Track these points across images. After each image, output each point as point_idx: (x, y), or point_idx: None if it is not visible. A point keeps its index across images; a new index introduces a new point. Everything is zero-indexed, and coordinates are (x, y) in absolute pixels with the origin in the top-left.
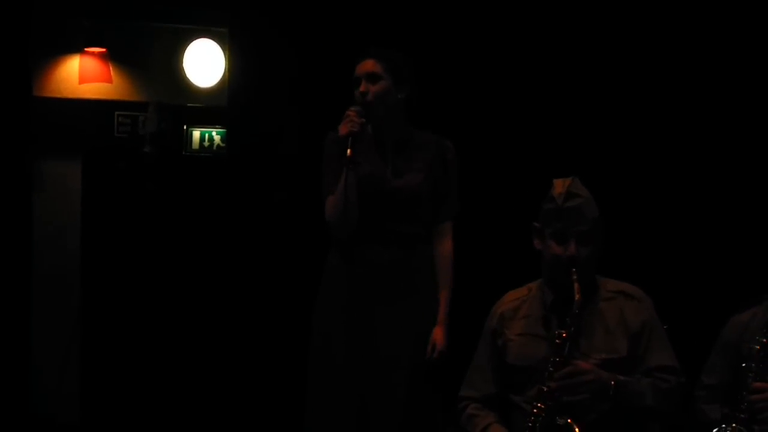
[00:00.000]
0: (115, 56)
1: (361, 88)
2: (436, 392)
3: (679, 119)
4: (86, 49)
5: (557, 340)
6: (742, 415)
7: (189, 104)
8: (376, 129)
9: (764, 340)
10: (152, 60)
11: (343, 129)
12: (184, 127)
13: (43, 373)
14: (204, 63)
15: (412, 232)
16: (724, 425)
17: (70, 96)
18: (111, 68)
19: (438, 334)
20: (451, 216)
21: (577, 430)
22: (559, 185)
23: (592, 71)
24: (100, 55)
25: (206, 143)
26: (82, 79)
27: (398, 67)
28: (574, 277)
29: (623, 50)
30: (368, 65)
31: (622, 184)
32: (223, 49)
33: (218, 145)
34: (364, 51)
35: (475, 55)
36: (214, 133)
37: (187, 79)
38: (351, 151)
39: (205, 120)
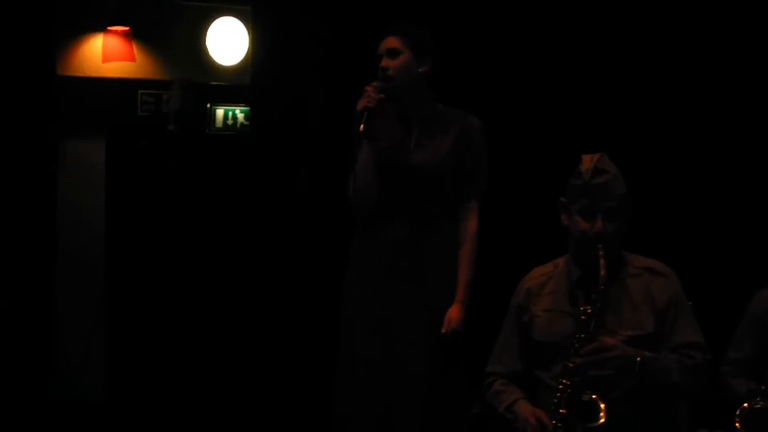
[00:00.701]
0: (138, 35)
1: (382, 64)
2: (458, 370)
3: (708, 94)
4: (109, 28)
5: (582, 317)
6: None
7: (212, 82)
8: (401, 104)
9: None
10: (175, 38)
11: (359, 104)
12: (208, 106)
13: (68, 352)
14: (227, 41)
15: (432, 209)
16: (750, 399)
17: (94, 75)
18: (134, 47)
19: (453, 313)
20: (476, 194)
21: (602, 406)
22: (587, 161)
23: (623, 45)
24: (123, 34)
25: (230, 121)
26: (106, 58)
27: (419, 42)
28: (601, 253)
29: (655, 22)
30: (390, 42)
31: (650, 160)
32: (246, 27)
33: (242, 123)
34: (386, 28)
35: (505, 30)
36: (237, 111)
37: (211, 57)
38: (364, 127)
39: (228, 98)
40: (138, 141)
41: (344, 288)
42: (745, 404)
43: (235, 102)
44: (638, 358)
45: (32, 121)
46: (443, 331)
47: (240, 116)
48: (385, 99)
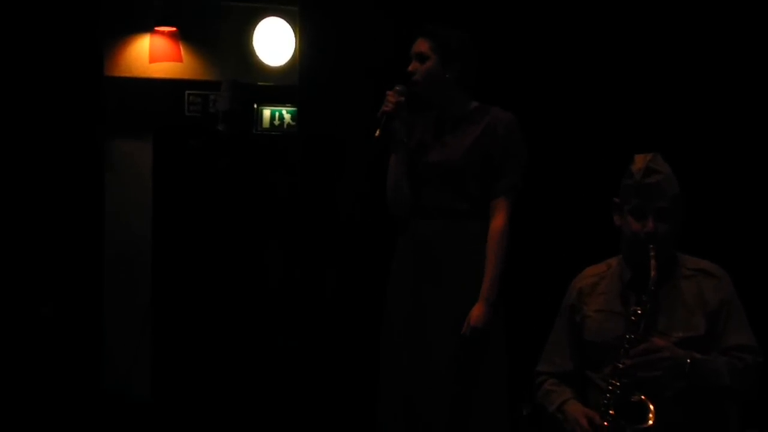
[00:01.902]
0: (185, 35)
1: (410, 68)
2: (490, 371)
3: (762, 96)
4: (156, 29)
5: (633, 317)
6: None
7: (259, 83)
8: (434, 105)
9: None
10: (222, 39)
11: (382, 109)
12: (255, 106)
13: (116, 352)
14: (274, 41)
15: (458, 207)
16: None
17: (141, 75)
18: (181, 47)
19: (475, 311)
20: (505, 193)
21: (651, 407)
22: (640, 160)
23: (681, 43)
24: (170, 34)
25: (276, 122)
26: (153, 59)
27: (448, 46)
28: (652, 253)
29: (711, 18)
30: (419, 44)
31: (706, 160)
32: (293, 28)
33: (288, 123)
34: (418, 28)
35: (558, 25)
36: (284, 112)
37: (257, 57)
38: (379, 131)
39: (275, 99)
40: (185, 142)
41: (388, 286)
42: None
43: (282, 102)
44: (688, 360)
45: (79, 122)
46: (462, 330)
47: (287, 117)
48: (405, 102)
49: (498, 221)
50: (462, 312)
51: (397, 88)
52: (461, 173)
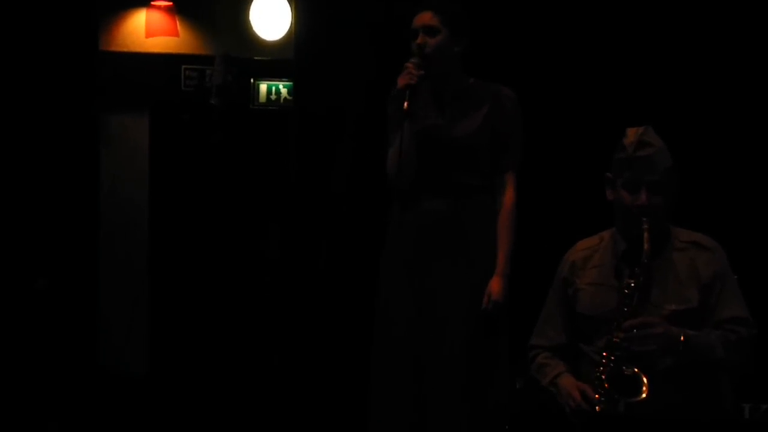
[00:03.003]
0: (181, 10)
1: (419, 41)
2: (499, 344)
3: (757, 67)
4: (152, 3)
5: (626, 290)
6: None
7: (256, 57)
8: (434, 80)
9: None
10: (218, 13)
11: (401, 81)
12: (251, 81)
13: (112, 326)
14: (270, 16)
15: (470, 182)
16: None
17: (137, 50)
18: (177, 22)
19: (494, 285)
20: (512, 166)
21: (645, 380)
22: (632, 134)
23: (672, 17)
24: (167, 9)
25: (273, 96)
26: (149, 33)
27: (456, 19)
28: (645, 226)
29: None
30: (426, 17)
31: (698, 133)
32: (289, 2)
33: (285, 98)
34: (422, 1)
35: (546, 2)
36: (281, 86)
37: (254, 32)
38: (408, 104)
39: (271, 73)
40: (181, 116)
41: (381, 267)
42: None
43: (279, 77)
44: (681, 337)
45: (75, 96)
46: (485, 303)
47: (283, 91)
48: (424, 76)
49: (509, 195)
50: (477, 287)
51: (414, 60)
52: (476, 149)
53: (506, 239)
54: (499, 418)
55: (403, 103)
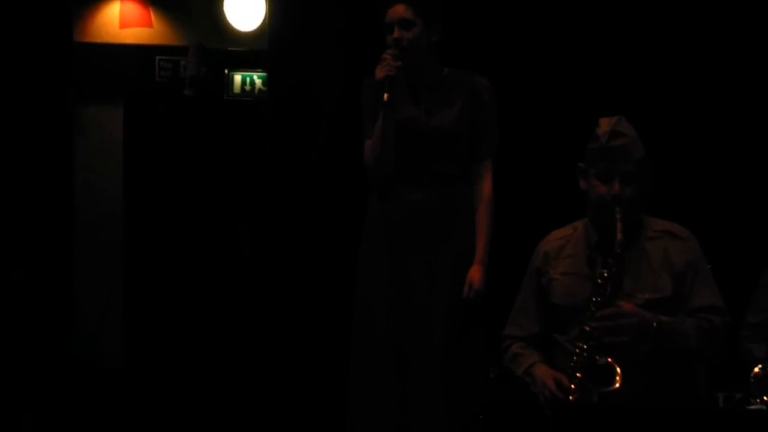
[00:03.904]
0: (155, 1)
1: (395, 35)
2: (477, 334)
3: (728, 56)
4: None
5: (599, 280)
6: None
7: (230, 48)
8: (410, 71)
9: None
10: (193, 4)
11: (380, 73)
12: (226, 71)
13: (86, 318)
14: (244, 7)
15: (449, 172)
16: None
17: (111, 41)
18: (151, 13)
19: (475, 274)
20: (489, 154)
21: (618, 370)
22: (605, 124)
23: (643, 5)
24: (141, 0)
25: (248, 87)
26: (123, 24)
27: (430, 10)
28: (618, 216)
29: None
30: (400, 10)
31: (671, 123)
32: None
33: (260, 89)
34: None
35: None
36: (255, 77)
37: (228, 23)
38: (388, 95)
39: (246, 64)
40: (156, 107)
41: (359, 258)
42: (757, 369)
43: (253, 68)
44: (654, 324)
45: (49, 87)
46: (465, 292)
47: (258, 82)
48: (401, 66)
49: (487, 184)
50: (457, 276)
51: (391, 52)
52: (454, 139)
53: (485, 228)
54: (473, 408)
55: (383, 95)
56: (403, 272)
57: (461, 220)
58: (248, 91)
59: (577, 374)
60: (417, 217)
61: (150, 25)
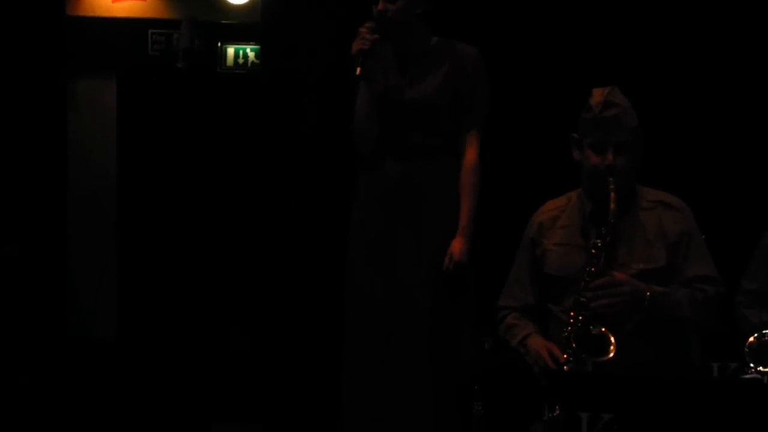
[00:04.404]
0: None
1: (379, 7)
2: (466, 304)
3: (720, 26)
4: None
5: (593, 250)
6: None
7: (223, 21)
8: (397, 42)
9: None
10: None
11: (354, 47)
12: (219, 45)
13: (81, 292)
14: None
15: (431, 143)
16: (760, 331)
17: (104, 15)
18: None
19: (456, 246)
20: (475, 126)
21: (612, 339)
22: (598, 94)
23: None
24: None
25: (240, 60)
26: None
27: None
28: (611, 186)
29: None
30: None
31: (663, 92)
32: None
33: (253, 62)
34: None
35: None
36: (248, 50)
37: None
38: (360, 69)
39: (239, 37)
40: (149, 81)
41: (349, 233)
42: (752, 338)
43: (246, 41)
44: (648, 293)
45: (42, 62)
46: (446, 264)
47: (251, 55)
48: (379, 39)
49: (471, 155)
50: (441, 247)
51: (369, 24)
52: (436, 110)
53: (468, 199)
54: (465, 378)
55: (362, 69)
56: (388, 244)
57: (444, 191)
58: (241, 64)
59: (572, 344)
60: (398, 190)
61: None
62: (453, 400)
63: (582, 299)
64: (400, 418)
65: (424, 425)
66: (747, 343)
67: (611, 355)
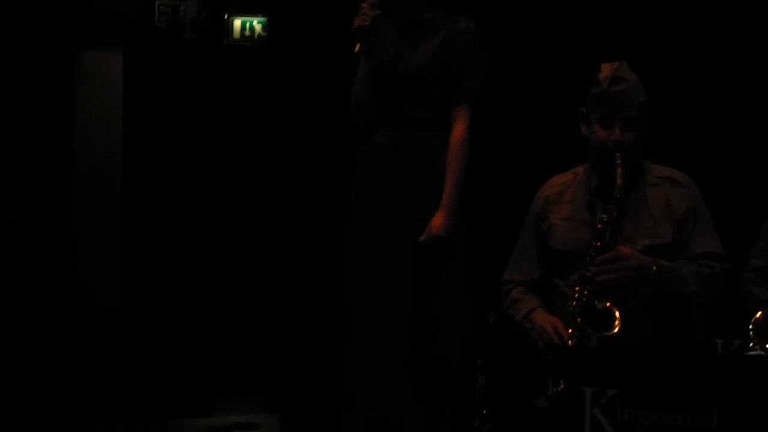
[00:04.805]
0: None
1: None
2: (457, 280)
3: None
4: None
5: (599, 225)
6: None
7: None
8: (394, 14)
9: None
10: None
11: (355, 22)
12: (225, 16)
13: (86, 261)
14: None
15: (421, 116)
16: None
17: None
18: None
19: (436, 220)
20: (466, 101)
21: (617, 314)
22: (606, 69)
23: None
24: None
25: (247, 32)
26: None
27: None
28: (618, 161)
29: None
30: None
31: (671, 68)
32: None
33: (259, 34)
34: None
35: None
36: (255, 22)
37: None
38: (360, 46)
39: (246, 9)
40: (155, 51)
41: (351, 200)
42: (758, 314)
43: (253, 13)
44: (654, 268)
45: (48, 32)
46: (423, 237)
47: (258, 27)
48: (381, 15)
49: (458, 129)
50: (424, 221)
51: (370, 1)
52: (423, 81)
53: (453, 173)
54: (465, 353)
55: (362, 45)
56: (381, 214)
57: (432, 165)
58: (248, 37)
59: (577, 319)
60: (388, 160)
61: None
62: (446, 376)
63: (587, 274)
64: (397, 391)
65: (421, 398)
66: (753, 320)
67: (616, 330)
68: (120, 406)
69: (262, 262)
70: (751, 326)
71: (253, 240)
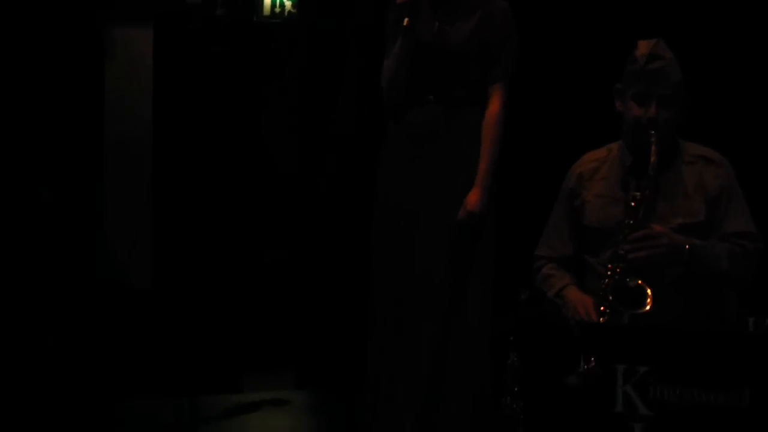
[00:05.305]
0: None
1: None
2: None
3: None
4: None
5: (632, 203)
6: None
7: None
8: None
9: None
10: None
11: None
12: None
13: (116, 238)
14: None
15: (456, 94)
16: None
17: None
18: None
19: (472, 196)
20: (501, 79)
21: (649, 292)
22: (643, 46)
23: None
24: None
25: (277, 9)
26: None
27: None
28: (653, 139)
29: None
30: None
31: (709, 46)
32: None
33: (290, 11)
34: None
35: None
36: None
37: None
38: (408, 20)
39: None
40: (186, 28)
41: (379, 177)
42: None
43: None
44: (687, 246)
45: (79, 8)
46: (460, 214)
47: (288, 4)
48: None
49: (494, 107)
50: (459, 199)
51: None
52: (462, 59)
53: (488, 151)
54: (483, 330)
55: (404, 19)
56: (412, 192)
57: (467, 142)
58: (278, 13)
59: (608, 296)
60: (420, 139)
61: None
62: (475, 353)
63: (620, 251)
64: (421, 366)
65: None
66: None
67: (648, 308)
68: (150, 383)
69: (292, 240)
70: None
71: (282, 217)
